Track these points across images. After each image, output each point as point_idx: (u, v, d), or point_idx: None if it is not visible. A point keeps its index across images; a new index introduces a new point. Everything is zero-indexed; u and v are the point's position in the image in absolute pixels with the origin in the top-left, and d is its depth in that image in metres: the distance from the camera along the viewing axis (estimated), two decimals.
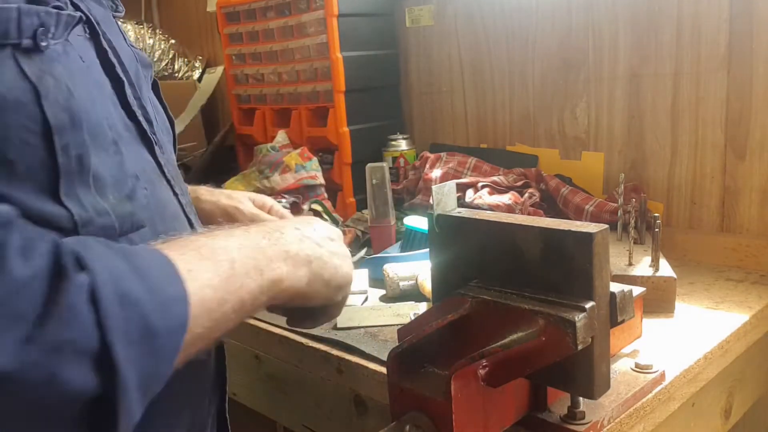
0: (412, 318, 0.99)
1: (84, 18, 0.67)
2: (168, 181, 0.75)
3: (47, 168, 0.58)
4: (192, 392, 0.75)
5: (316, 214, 1.54)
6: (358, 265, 1.02)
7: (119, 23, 0.83)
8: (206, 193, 1.03)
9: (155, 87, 0.89)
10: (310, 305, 0.67)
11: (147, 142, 0.74)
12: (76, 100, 0.61)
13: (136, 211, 0.67)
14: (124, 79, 0.74)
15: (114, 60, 0.74)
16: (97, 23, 0.73)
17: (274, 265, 0.60)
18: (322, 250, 0.66)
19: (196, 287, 0.51)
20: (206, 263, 0.53)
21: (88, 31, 0.71)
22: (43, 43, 0.58)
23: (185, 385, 0.72)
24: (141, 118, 0.74)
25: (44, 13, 0.59)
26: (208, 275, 0.53)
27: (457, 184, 1.10)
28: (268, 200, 1.07)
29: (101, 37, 0.73)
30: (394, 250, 1.30)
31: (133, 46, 0.82)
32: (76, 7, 0.71)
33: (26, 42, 0.56)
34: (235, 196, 1.04)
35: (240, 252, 0.57)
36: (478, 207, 1.33)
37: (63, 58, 0.62)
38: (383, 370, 0.85)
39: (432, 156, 1.59)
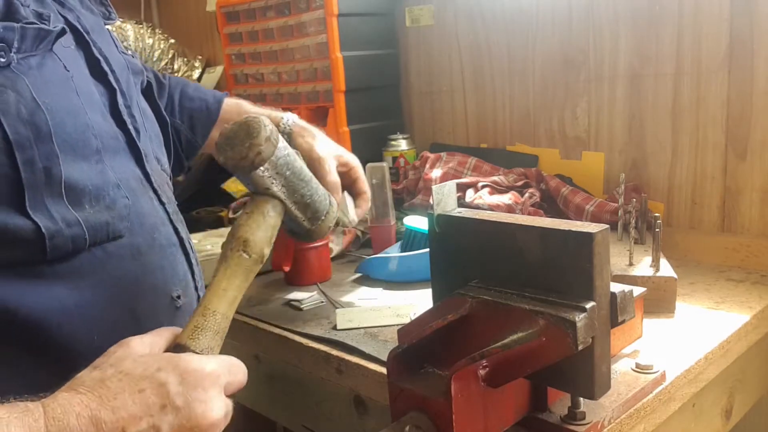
0: (412, 318, 0.99)
1: (66, 30, 0.67)
2: (155, 191, 0.76)
3: (11, 182, 0.59)
4: None
5: None
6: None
7: (111, 30, 0.83)
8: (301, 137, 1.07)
9: (148, 90, 0.88)
10: None
11: (135, 151, 0.74)
12: (47, 112, 0.61)
13: (113, 221, 0.68)
14: (116, 87, 0.74)
15: (106, 68, 0.74)
16: (87, 33, 0.73)
17: None
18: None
19: None
20: None
21: (74, 41, 0.71)
22: (2, 59, 0.59)
23: None
24: (130, 127, 0.74)
25: (2, 29, 0.59)
26: None
27: (457, 184, 1.10)
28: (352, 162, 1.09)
29: (92, 46, 0.73)
30: (394, 250, 1.30)
31: (124, 52, 0.82)
32: (65, 19, 0.71)
33: None
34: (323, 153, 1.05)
35: None
36: (478, 207, 1.32)
37: (34, 71, 0.62)
38: (383, 370, 0.85)
39: (432, 156, 1.58)
